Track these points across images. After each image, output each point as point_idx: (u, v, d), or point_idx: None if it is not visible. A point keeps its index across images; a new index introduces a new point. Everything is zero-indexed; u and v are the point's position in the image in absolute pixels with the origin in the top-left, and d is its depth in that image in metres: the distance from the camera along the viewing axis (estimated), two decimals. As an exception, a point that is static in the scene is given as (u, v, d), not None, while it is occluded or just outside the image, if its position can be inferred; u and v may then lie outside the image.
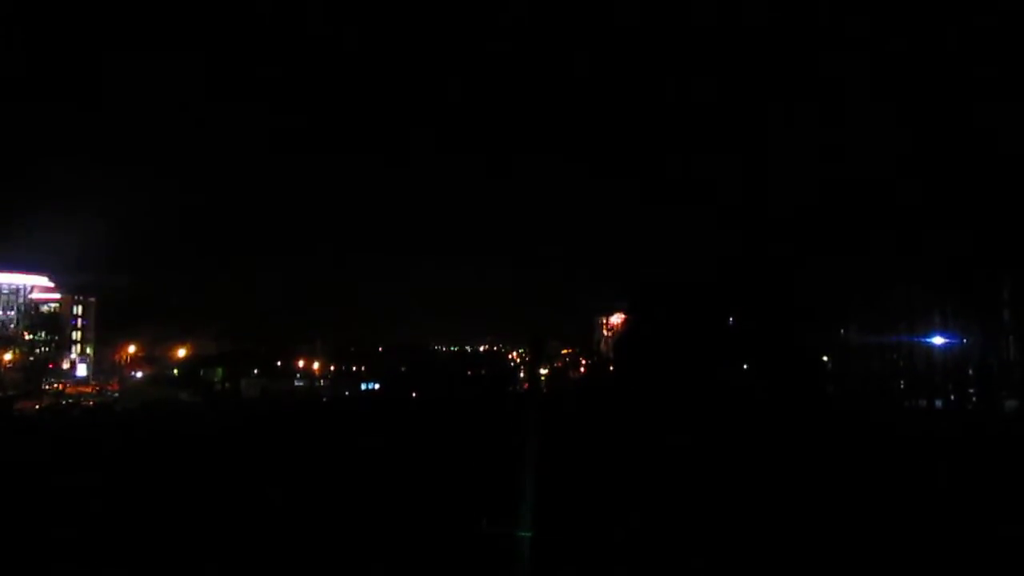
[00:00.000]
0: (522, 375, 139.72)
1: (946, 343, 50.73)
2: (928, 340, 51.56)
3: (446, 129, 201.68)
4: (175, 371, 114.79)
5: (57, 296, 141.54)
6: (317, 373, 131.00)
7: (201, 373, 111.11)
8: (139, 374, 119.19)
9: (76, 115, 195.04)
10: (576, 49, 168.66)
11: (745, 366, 63.79)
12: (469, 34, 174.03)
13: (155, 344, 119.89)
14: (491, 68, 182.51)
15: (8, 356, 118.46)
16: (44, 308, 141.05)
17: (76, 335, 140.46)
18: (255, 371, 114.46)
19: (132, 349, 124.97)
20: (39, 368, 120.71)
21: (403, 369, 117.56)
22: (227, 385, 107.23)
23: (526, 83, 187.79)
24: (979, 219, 44.35)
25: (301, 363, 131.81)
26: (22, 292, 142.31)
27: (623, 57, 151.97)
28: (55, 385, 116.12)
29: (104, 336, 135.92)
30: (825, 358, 62.75)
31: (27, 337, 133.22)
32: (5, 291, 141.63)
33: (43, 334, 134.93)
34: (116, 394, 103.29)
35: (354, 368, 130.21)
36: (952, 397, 50.62)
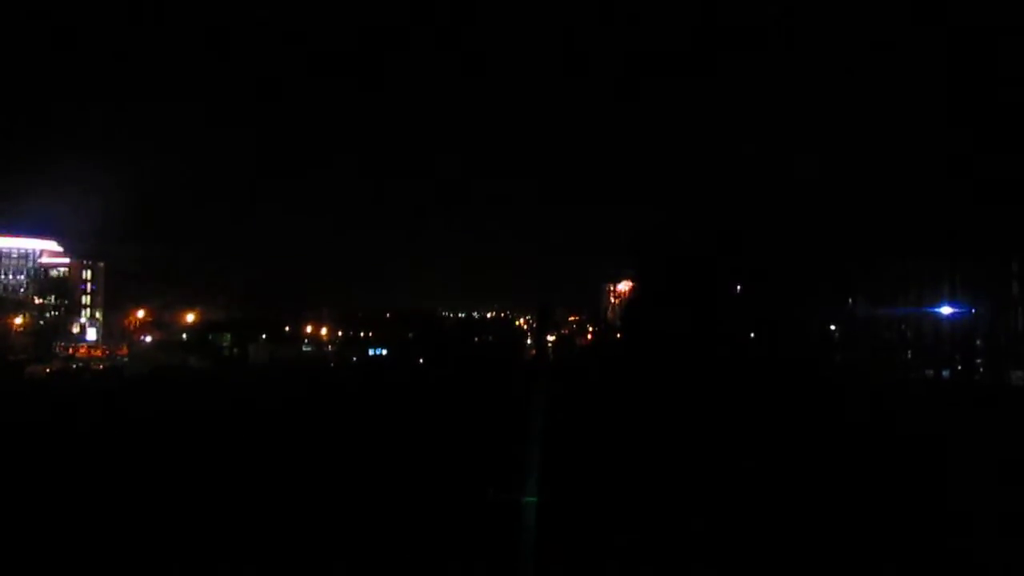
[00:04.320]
0: (529, 342, 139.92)
1: (954, 314, 50.59)
2: (936, 311, 51.41)
3: (454, 94, 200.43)
4: (184, 336, 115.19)
5: (66, 261, 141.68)
6: (325, 339, 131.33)
7: (210, 338, 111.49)
8: (148, 339, 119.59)
9: (85, 80, 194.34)
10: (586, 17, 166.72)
11: (752, 335, 63.73)
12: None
13: (164, 309, 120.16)
14: (492, 33, 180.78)
15: (18, 320, 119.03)
16: (53, 273, 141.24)
17: (85, 300, 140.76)
18: (263, 337, 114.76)
19: (141, 314, 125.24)
20: (49, 332, 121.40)
21: (410, 335, 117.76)
22: (236, 351, 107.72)
23: (535, 47, 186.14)
24: (988, 189, 43.97)
25: (309, 329, 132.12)
26: (31, 257, 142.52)
27: (633, 23, 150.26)
28: (65, 349, 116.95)
29: (113, 301, 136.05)
30: (832, 327, 62.62)
31: (37, 302, 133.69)
32: (15, 256, 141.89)
33: (52, 299, 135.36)
34: (125, 359, 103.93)
35: (361, 334, 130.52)
36: (959, 368, 50.56)
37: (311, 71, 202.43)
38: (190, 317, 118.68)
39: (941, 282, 51.72)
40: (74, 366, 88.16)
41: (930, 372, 51.31)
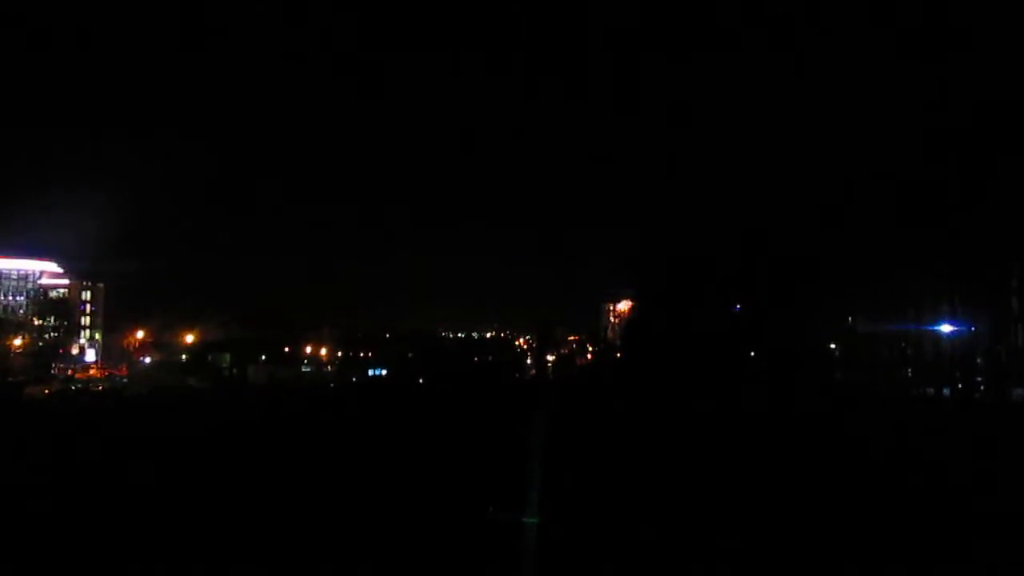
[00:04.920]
0: (529, 362, 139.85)
1: (954, 331, 50.59)
2: (936, 328, 51.43)
3: (455, 113, 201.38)
4: (183, 357, 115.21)
5: (66, 282, 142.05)
6: (324, 359, 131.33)
7: (209, 359, 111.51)
8: (147, 360, 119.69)
9: (84, 100, 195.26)
10: (585, 24, 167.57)
11: (752, 353, 63.71)
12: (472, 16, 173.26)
13: (163, 330, 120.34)
14: (496, 45, 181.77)
15: (17, 341, 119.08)
16: (53, 294, 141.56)
17: (85, 321, 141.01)
18: (263, 357, 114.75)
19: (140, 335, 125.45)
20: (48, 353, 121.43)
21: (410, 355, 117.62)
22: (235, 371, 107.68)
23: (536, 59, 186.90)
24: (987, 205, 44.11)
25: (308, 349, 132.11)
26: (31, 278, 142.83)
27: (633, 35, 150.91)
28: (64, 370, 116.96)
29: (112, 322, 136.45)
30: (832, 346, 62.63)
31: (36, 322, 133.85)
32: (14, 277, 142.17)
33: (52, 319, 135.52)
34: (125, 379, 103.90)
35: (361, 354, 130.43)
36: (960, 385, 50.50)
37: (307, 87, 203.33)
38: (189, 338, 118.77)
39: (941, 299, 51.76)
40: (73, 387, 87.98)
41: (930, 390, 51.26)
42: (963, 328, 50.26)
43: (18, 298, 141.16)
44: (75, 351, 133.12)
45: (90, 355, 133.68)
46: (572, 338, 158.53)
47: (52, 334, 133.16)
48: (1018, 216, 43.28)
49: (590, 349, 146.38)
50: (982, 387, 49.38)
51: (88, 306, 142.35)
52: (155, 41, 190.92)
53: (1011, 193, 42.85)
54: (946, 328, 50.86)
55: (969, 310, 49.73)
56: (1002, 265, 47.37)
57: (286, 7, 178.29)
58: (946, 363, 51.84)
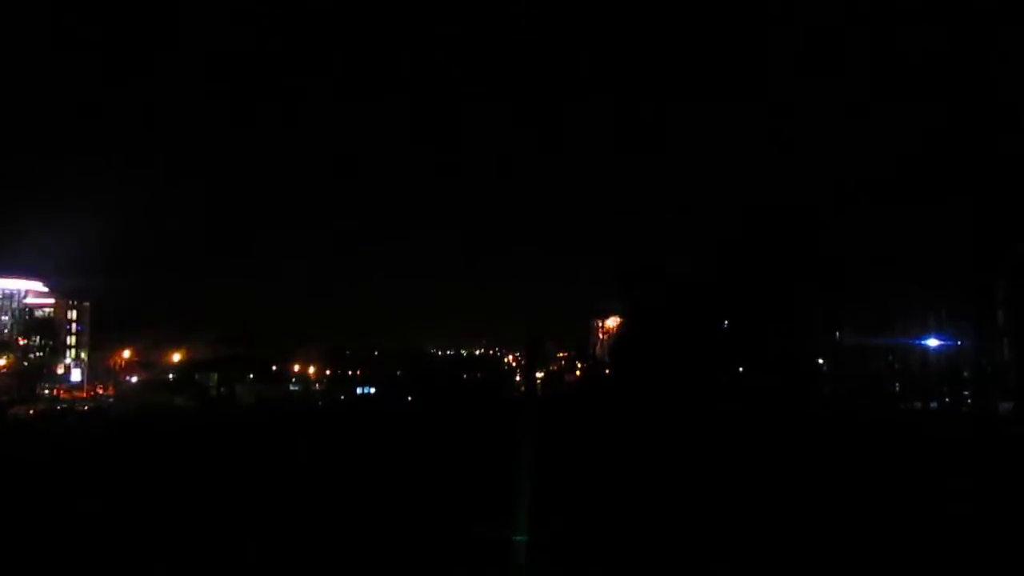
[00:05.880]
0: (518, 379, 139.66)
1: (941, 345, 50.88)
2: (923, 342, 51.72)
3: (439, 128, 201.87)
4: (170, 376, 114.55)
5: (51, 301, 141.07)
6: (312, 377, 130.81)
7: (196, 378, 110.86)
8: (134, 379, 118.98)
9: (71, 119, 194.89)
10: (571, 39, 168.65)
11: (740, 368, 63.83)
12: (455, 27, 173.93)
13: (150, 349, 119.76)
14: (480, 60, 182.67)
15: (2, 361, 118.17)
16: (38, 313, 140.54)
17: (70, 340, 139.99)
18: (250, 376, 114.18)
19: (127, 354, 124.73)
20: (33, 373, 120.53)
21: (398, 373, 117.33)
22: (222, 390, 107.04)
23: (517, 77, 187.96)
24: (974, 220, 44.46)
25: (296, 367, 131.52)
26: (16, 297, 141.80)
27: (619, 45, 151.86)
28: (50, 390, 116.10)
29: (99, 341, 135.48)
30: (820, 360, 62.82)
31: (21, 342, 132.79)
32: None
33: (37, 339, 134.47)
34: (111, 399, 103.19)
35: (349, 372, 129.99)
36: (947, 399, 50.74)
37: (297, 106, 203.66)
38: (176, 356, 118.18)
39: (928, 314, 52.08)
40: (59, 407, 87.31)
41: (918, 404, 51.46)
42: (949, 342, 50.57)
43: (3, 317, 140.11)
44: (61, 371, 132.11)
45: (76, 375, 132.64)
46: (561, 355, 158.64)
47: (37, 354, 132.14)
48: (1003, 229, 43.62)
49: (579, 366, 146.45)
50: (969, 400, 49.60)
51: (74, 325, 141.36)
52: (138, 58, 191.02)
53: (996, 206, 43.22)
54: (933, 342, 51.16)
55: (955, 324, 50.06)
56: (988, 279, 47.69)
57: (279, 27, 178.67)
58: (933, 377, 52.11)
